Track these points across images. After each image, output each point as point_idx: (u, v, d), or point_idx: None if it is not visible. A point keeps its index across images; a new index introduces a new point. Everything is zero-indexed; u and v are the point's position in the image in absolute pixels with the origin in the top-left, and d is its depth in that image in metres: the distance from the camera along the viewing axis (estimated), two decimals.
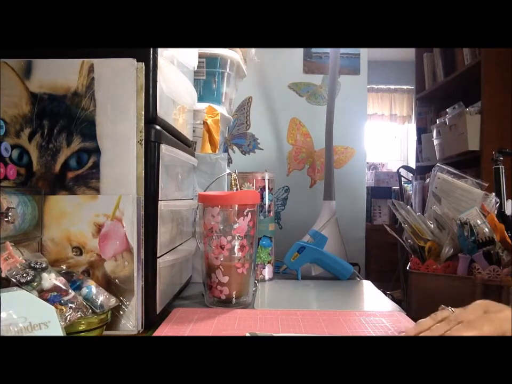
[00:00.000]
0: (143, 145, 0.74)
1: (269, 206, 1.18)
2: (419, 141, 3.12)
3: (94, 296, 0.65)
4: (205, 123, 1.21)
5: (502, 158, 1.16)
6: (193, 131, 1.18)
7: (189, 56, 1.06)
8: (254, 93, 2.12)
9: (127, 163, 0.73)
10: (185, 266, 1.03)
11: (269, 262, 1.16)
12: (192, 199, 1.09)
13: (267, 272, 1.16)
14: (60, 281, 0.62)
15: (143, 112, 0.73)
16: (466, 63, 2.38)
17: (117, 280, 0.71)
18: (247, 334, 0.56)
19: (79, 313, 0.61)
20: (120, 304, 0.70)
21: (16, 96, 0.73)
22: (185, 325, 0.74)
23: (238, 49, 1.40)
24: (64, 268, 0.70)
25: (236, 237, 0.85)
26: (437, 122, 2.78)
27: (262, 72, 2.08)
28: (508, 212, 1.07)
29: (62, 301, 0.60)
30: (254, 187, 1.15)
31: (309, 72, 2.13)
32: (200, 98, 1.25)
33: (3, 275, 0.59)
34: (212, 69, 1.33)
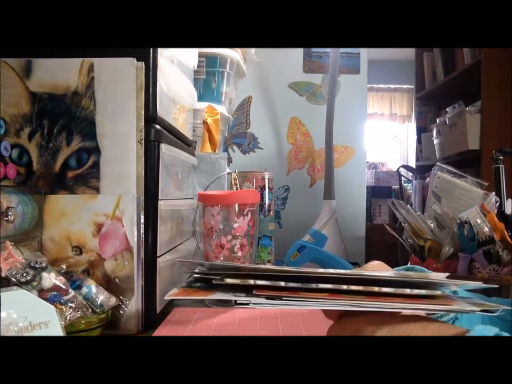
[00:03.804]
0: (143, 144, 0.74)
1: (269, 205, 1.18)
2: (419, 140, 3.12)
3: (94, 296, 0.65)
4: (204, 122, 1.21)
5: (502, 157, 1.16)
6: (193, 130, 1.18)
7: (189, 55, 1.06)
8: (254, 92, 2.12)
9: (127, 162, 0.73)
10: None
11: (269, 262, 1.16)
12: (192, 198, 1.09)
13: None
14: (59, 281, 0.62)
15: (143, 112, 0.73)
16: (466, 62, 2.38)
17: (117, 280, 0.71)
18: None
19: (79, 312, 0.61)
20: (120, 303, 0.70)
21: (16, 95, 0.73)
22: (185, 324, 0.74)
23: (238, 48, 1.40)
24: (64, 267, 0.70)
25: (236, 237, 0.86)
26: (437, 121, 2.78)
27: (262, 71, 2.08)
28: (507, 211, 1.07)
29: (62, 301, 0.60)
30: (254, 186, 1.15)
31: (308, 72, 2.13)
32: (200, 98, 1.25)
33: (3, 274, 0.59)
34: (212, 68, 1.34)
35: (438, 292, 0.40)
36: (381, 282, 0.40)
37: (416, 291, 0.39)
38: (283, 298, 0.38)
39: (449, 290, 0.44)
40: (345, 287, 0.39)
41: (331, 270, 0.40)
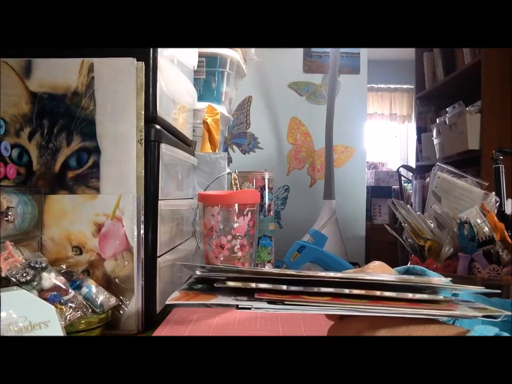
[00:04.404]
0: (143, 144, 0.74)
1: (269, 205, 1.18)
2: (419, 140, 3.12)
3: (94, 296, 0.65)
4: (205, 122, 1.21)
5: (502, 157, 1.16)
6: (193, 130, 1.18)
7: (189, 55, 1.06)
8: (254, 92, 2.12)
9: (127, 162, 0.73)
10: None
11: (269, 262, 1.16)
12: (192, 198, 1.09)
13: None
14: (59, 281, 0.62)
15: (143, 112, 0.73)
16: (466, 62, 2.38)
17: (117, 280, 0.71)
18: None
19: (79, 312, 0.61)
20: (120, 303, 0.70)
21: (16, 95, 0.73)
22: (185, 324, 0.74)
23: (238, 48, 1.40)
24: (64, 267, 0.70)
25: (236, 237, 0.85)
26: (437, 121, 2.78)
27: (262, 71, 2.08)
28: (507, 211, 1.07)
29: (62, 301, 0.60)
30: (254, 186, 1.15)
31: (309, 72, 2.13)
32: (200, 98, 1.25)
33: (3, 274, 0.59)
34: (212, 68, 1.34)
35: (440, 297, 0.40)
36: (383, 286, 0.40)
37: (418, 296, 0.39)
38: (285, 303, 0.38)
39: (450, 293, 0.44)
40: (347, 291, 0.39)
41: (332, 274, 0.40)
